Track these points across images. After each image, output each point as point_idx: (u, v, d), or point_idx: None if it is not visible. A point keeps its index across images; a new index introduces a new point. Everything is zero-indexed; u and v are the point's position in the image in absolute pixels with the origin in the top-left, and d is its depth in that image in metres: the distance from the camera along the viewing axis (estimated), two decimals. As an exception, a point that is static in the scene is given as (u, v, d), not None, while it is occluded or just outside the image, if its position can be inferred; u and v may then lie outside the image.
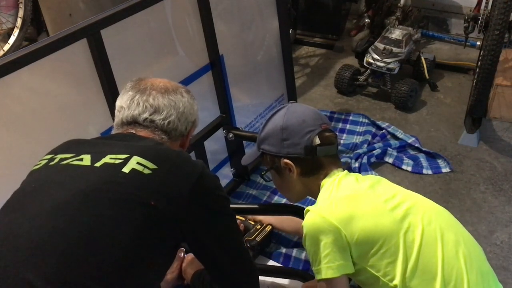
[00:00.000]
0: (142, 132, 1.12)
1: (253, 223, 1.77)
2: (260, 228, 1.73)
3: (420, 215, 1.15)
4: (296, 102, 1.34)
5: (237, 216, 1.51)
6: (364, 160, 2.19)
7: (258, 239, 1.69)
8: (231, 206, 1.15)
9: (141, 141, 1.09)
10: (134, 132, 1.12)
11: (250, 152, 1.47)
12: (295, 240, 1.82)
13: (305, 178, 1.30)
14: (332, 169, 1.29)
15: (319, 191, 1.27)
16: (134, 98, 1.13)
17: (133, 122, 1.13)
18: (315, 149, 1.26)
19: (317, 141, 1.26)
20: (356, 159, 2.21)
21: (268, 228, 1.74)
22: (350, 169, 2.15)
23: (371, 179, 1.26)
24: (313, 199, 1.30)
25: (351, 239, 1.12)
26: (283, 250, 1.79)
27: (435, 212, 1.20)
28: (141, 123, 1.12)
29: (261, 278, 1.67)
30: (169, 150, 1.08)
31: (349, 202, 1.18)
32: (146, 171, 0.98)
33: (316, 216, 1.16)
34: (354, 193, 1.20)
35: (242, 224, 1.75)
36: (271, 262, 1.75)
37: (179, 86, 1.19)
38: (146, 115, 1.12)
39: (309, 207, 1.20)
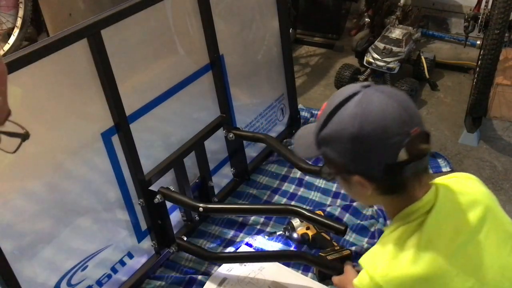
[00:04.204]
0: None
1: (336, 244, 1.73)
2: (338, 249, 1.69)
3: None
4: (371, 85, 0.96)
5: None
6: (365, 159, 2.19)
7: (329, 257, 1.65)
8: (232, 206, 1.08)
9: None
10: None
11: (307, 139, 1.03)
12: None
13: (381, 196, 0.99)
14: (415, 192, 0.96)
15: (395, 213, 0.99)
16: None
17: None
18: (400, 168, 0.91)
19: (404, 156, 0.89)
20: (356, 159, 2.20)
21: (346, 252, 1.67)
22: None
23: (479, 208, 0.95)
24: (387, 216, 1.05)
25: None
26: (284, 250, 1.80)
27: None
28: None
29: (261, 278, 1.68)
30: None
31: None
32: None
33: (371, 280, 0.93)
34: (442, 269, 0.89)
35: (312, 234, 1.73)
36: (272, 262, 1.75)
37: None
38: None
39: (364, 261, 0.97)
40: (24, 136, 0.71)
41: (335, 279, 1.50)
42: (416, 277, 0.89)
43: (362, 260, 0.98)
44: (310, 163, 1.99)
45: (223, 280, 1.69)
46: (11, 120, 0.64)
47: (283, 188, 2.10)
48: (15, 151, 0.69)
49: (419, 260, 0.90)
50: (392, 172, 0.92)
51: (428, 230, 0.92)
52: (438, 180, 1.03)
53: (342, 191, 2.05)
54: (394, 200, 0.98)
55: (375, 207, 1.93)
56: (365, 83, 0.96)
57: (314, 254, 1.65)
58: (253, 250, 1.75)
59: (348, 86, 0.98)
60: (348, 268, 1.51)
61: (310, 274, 1.67)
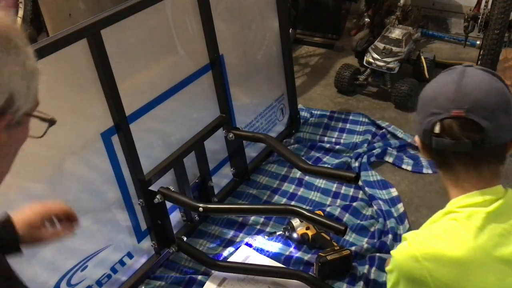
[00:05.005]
0: None
1: (335, 244, 1.74)
2: (338, 249, 1.70)
3: None
4: (472, 65, 1.01)
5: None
6: (364, 159, 2.19)
7: (329, 257, 1.66)
8: (232, 206, 1.09)
9: None
10: None
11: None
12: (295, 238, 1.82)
13: (442, 173, 1.02)
14: (471, 181, 0.97)
15: (451, 195, 1.01)
16: None
17: None
18: (430, 138, 0.96)
19: (437, 129, 0.95)
20: (356, 159, 2.21)
21: (346, 252, 1.68)
22: (350, 169, 2.15)
23: None
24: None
25: None
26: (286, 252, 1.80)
27: None
28: None
29: (261, 277, 1.68)
30: None
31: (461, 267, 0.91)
32: None
33: (410, 251, 0.94)
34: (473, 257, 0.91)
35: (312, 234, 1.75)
36: (272, 262, 1.75)
37: None
38: None
39: (408, 235, 0.98)
40: (51, 122, 0.74)
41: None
42: (454, 258, 0.90)
43: (407, 235, 0.98)
44: (310, 163, 1.99)
45: (223, 280, 1.69)
46: (38, 109, 0.71)
47: (283, 188, 2.10)
48: (42, 136, 0.75)
49: (462, 245, 0.91)
50: (426, 138, 0.97)
51: (481, 224, 0.92)
52: None
53: (342, 191, 2.06)
54: (448, 180, 1.00)
55: (375, 207, 1.93)
56: (469, 63, 1.01)
57: (311, 274, 1.66)
58: (254, 263, 1.73)
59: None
60: None
61: (310, 273, 1.67)
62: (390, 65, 2.62)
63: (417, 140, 1.03)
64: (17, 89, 0.64)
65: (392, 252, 1.00)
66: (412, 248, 0.94)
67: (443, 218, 0.97)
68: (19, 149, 0.74)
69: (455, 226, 0.93)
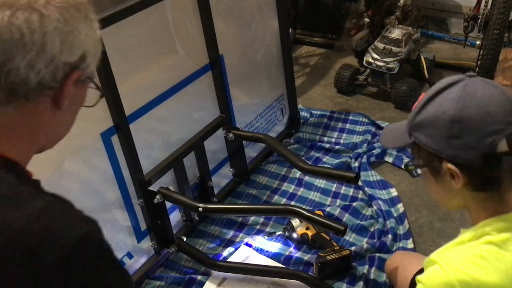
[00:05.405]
0: None
1: (335, 245, 1.74)
2: (338, 249, 1.70)
3: None
4: (476, 76, 0.93)
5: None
6: (364, 159, 2.19)
7: (328, 258, 1.66)
8: (231, 206, 1.09)
9: None
10: None
11: (395, 131, 1.03)
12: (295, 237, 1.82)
13: (471, 192, 0.93)
14: (499, 206, 0.91)
15: (483, 217, 0.93)
16: None
17: None
18: (498, 158, 0.86)
19: (504, 147, 0.85)
20: (356, 159, 2.21)
21: (346, 252, 1.68)
22: (350, 169, 2.15)
23: None
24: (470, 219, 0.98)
25: None
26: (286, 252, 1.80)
27: None
28: None
29: (261, 277, 1.68)
30: (9, 226, 0.63)
31: None
32: None
33: (445, 277, 0.87)
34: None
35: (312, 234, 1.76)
36: (272, 262, 1.75)
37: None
38: None
39: (439, 258, 0.91)
40: (102, 92, 0.86)
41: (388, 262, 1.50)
42: (494, 287, 0.86)
43: (436, 257, 0.92)
44: (309, 163, 1.99)
45: (222, 280, 1.69)
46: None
47: (283, 188, 2.10)
48: (94, 105, 0.87)
49: (502, 273, 0.86)
50: (488, 162, 0.87)
51: None
52: None
53: (342, 191, 2.05)
54: (485, 200, 0.92)
55: (375, 207, 1.94)
56: (469, 73, 0.93)
57: (311, 274, 1.66)
58: (253, 263, 1.73)
59: (451, 76, 0.94)
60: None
61: (310, 273, 1.67)
62: (390, 65, 2.62)
63: (451, 167, 0.90)
64: (89, 50, 0.74)
65: (419, 277, 0.92)
66: (447, 274, 0.87)
67: (475, 241, 0.91)
68: (77, 113, 0.84)
69: (493, 252, 0.87)
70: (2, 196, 0.65)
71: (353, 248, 1.75)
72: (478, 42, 2.63)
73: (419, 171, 1.03)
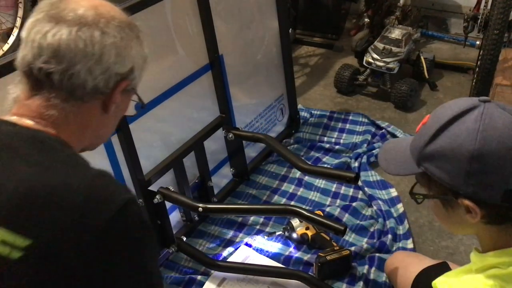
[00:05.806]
0: (29, 119, 0.80)
1: (335, 245, 1.74)
2: (338, 249, 1.70)
3: None
4: (490, 101, 0.86)
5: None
6: (364, 159, 2.19)
7: (328, 258, 1.66)
8: (231, 206, 1.11)
9: (19, 156, 0.74)
10: (15, 119, 0.81)
11: (397, 156, 0.97)
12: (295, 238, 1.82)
13: (486, 226, 0.88)
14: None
15: (491, 247, 0.89)
16: (33, 30, 0.80)
17: (28, 74, 0.81)
18: None
19: None
20: (356, 159, 2.21)
21: (346, 253, 1.68)
22: (350, 169, 2.15)
23: None
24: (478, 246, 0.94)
25: None
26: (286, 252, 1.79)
27: None
28: (37, 76, 0.80)
29: (261, 277, 1.68)
30: (68, 184, 0.72)
31: None
32: (14, 255, 0.65)
33: None
34: None
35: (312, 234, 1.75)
36: (272, 262, 1.75)
37: (105, 17, 0.82)
38: (40, 62, 0.79)
39: (441, 285, 0.88)
40: (143, 104, 0.97)
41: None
42: None
43: (439, 283, 0.90)
44: (309, 163, 1.99)
45: (222, 280, 1.69)
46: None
47: (283, 188, 2.10)
48: (135, 115, 1.03)
49: None
50: (510, 199, 0.82)
51: None
52: None
53: (342, 191, 2.05)
54: (499, 232, 0.88)
55: (374, 207, 1.94)
56: (482, 98, 0.86)
57: (311, 274, 1.66)
58: (253, 263, 1.73)
59: (461, 99, 0.88)
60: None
61: (309, 273, 1.67)
62: (390, 65, 2.62)
63: (469, 204, 0.85)
64: (137, 64, 0.88)
65: None
66: None
67: (481, 273, 0.87)
68: (118, 120, 0.93)
69: (497, 287, 0.84)
70: (63, 162, 0.77)
71: (353, 248, 1.75)
72: (478, 42, 2.63)
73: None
